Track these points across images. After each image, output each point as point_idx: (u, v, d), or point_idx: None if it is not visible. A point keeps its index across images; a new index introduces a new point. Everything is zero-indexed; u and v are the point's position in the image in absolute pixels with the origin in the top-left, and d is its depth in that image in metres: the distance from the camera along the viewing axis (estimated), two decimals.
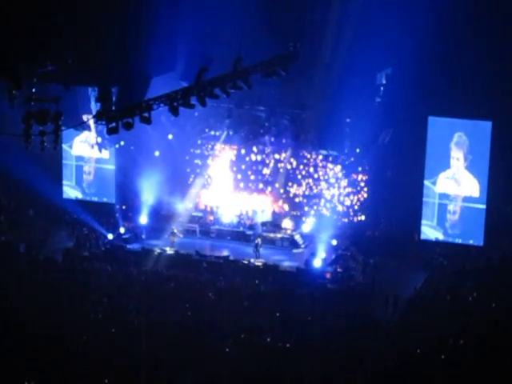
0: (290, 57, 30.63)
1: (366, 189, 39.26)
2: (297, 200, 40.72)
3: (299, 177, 40.52)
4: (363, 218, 39.35)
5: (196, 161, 42.01)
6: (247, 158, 41.12)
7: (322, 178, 40.10)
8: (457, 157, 36.29)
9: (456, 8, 33.49)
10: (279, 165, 40.62)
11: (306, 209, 40.49)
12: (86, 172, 42.17)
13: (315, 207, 40.27)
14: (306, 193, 40.50)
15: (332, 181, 39.84)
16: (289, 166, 40.53)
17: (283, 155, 40.36)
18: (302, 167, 40.38)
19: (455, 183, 36.55)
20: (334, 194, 39.83)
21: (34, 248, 36.90)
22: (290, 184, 40.69)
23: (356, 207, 39.44)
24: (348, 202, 39.59)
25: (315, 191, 40.32)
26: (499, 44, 34.97)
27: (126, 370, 24.50)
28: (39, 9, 21.62)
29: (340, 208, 39.69)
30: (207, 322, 28.33)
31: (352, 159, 38.86)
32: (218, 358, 25.46)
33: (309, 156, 40.05)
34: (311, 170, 40.25)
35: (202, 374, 24.62)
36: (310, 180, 40.34)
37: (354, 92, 35.28)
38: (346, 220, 39.62)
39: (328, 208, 39.98)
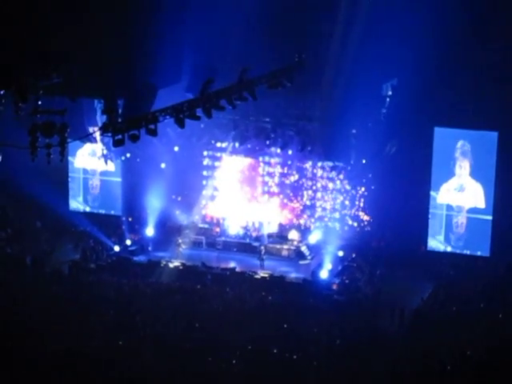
0: (295, 68, 30.63)
1: (371, 199, 39.13)
2: (303, 211, 40.63)
3: (305, 188, 40.46)
4: (369, 228, 39.25)
5: (202, 172, 41.93)
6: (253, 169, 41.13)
7: (327, 188, 40.03)
8: (463, 167, 36.19)
9: (462, 18, 33.52)
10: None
11: (313, 220, 40.42)
12: (93, 184, 42.21)
13: (325, 217, 40.17)
14: (312, 204, 40.41)
15: (338, 192, 39.77)
16: (294, 178, 40.50)
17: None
18: (308, 178, 40.32)
19: (460, 194, 36.44)
20: (340, 204, 39.74)
21: (41, 260, 36.89)
22: (296, 195, 40.62)
23: (362, 218, 39.34)
24: (354, 213, 39.49)
25: (321, 202, 40.24)
26: (506, 54, 35.00)
27: (131, 382, 24.46)
28: (45, 21, 21.73)
29: (346, 219, 39.59)
30: (214, 333, 28.29)
31: (358, 170, 38.81)
32: (224, 370, 25.40)
33: (315, 167, 39.99)
34: (317, 181, 40.18)
35: None
36: (316, 191, 40.27)
37: (359, 103, 35.27)
38: (353, 231, 39.51)
39: (334, 219, 39.90)
